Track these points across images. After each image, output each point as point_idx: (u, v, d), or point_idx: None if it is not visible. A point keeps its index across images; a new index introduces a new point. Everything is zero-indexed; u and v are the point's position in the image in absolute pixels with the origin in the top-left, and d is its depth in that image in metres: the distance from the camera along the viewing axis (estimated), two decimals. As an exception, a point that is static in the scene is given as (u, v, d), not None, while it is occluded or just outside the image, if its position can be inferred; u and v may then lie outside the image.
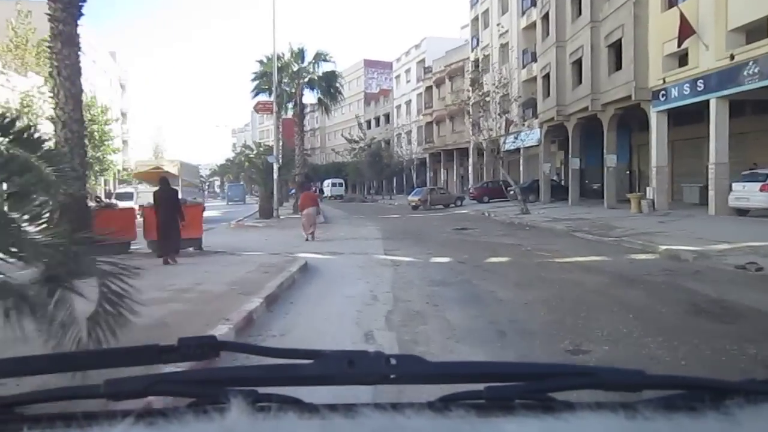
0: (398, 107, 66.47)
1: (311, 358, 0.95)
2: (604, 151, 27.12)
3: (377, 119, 72.83)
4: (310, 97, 34.12)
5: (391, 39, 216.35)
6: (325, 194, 69.31)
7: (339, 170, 68.39)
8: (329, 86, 31.64)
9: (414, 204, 36.70)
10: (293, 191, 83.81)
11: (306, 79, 30.53)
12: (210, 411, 0.85)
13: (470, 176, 48.87)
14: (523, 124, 36.64)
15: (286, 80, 29.70)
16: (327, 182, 69.27)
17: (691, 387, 0.93)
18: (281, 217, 25.24)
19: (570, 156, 30.95)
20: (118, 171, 55.46)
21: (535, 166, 40.88)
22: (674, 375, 0.98)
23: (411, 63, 63.25)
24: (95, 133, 37.03)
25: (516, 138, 36.43)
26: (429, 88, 55.90)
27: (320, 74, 31.19)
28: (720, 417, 0.80)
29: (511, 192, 36.51)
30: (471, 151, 47.81)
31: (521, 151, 38.31)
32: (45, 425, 0.89)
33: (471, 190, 40.17)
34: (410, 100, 62.73)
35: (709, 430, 0.79)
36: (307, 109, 32.69)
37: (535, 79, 36.35)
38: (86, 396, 0.96)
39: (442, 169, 54.53)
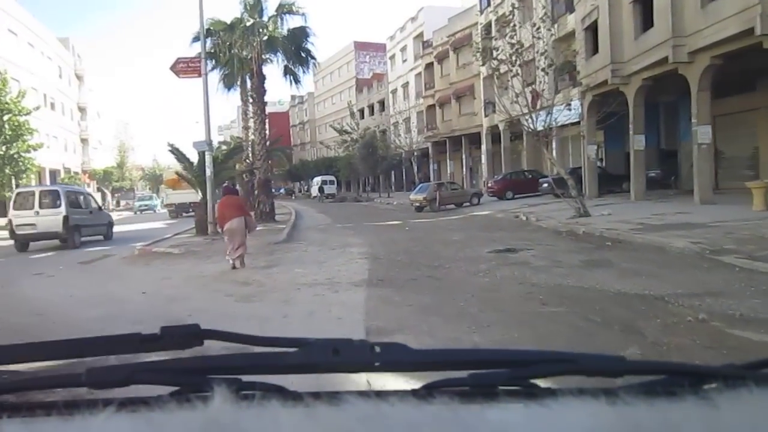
0: (394, 92, 58.18)
1: (296, 347, 0.93)
2: (693, 120, 18.76)
3: (371, 107, 64.72)
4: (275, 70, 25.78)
5: (383, 19, 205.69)
6: (314, 194, 61.43)
7: (330, 166, 60.27)
8: (298, 48, 23.27)
9: (418, 204, 28.44)
10: (279, 191, 76.19)
11: (265, 37, 22.17)
12: (193, 399, 0.84)
13: (484, 167, 40.53)
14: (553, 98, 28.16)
15: (238, 41, 21.37)
16: (316, 180, 61.14)
17: (670, 372, 0.93)
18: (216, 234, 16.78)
19: (632, 132, 22.62)
20: (68, 174, 46.94)
21: (565, 151, 32.67)
22: (654, 360, 1.01)
23: (407, 39, 54.90)
24: (5, 126, 28.79)
25: (548, 115, 28.24)
26: (429, 66, 47.62)
27: (285, 33, 22.89)
28: (699, 401, 0.81)
29: (545, 185, 28.33)
30: (484, 137, 39.49)
31: (552, 131, 30.11)
32: (25, 414, 0.90)
33: (490, 184, 31.88)
34: (407, 83, 54.44)
35: (688, 415, 0.79)
36: (268, 66, 24.19)
37: (571, 35, 28.01)
38: (67, 385, 0.95)
39: (448, 160, 46.21)
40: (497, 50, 19.35)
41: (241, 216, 11.68)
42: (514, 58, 18.98)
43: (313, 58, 24.08)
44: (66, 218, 16.49)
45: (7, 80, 29.73)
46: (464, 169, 43.63)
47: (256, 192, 24.58)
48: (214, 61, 22.86)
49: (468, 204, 28.96)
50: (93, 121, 62.82)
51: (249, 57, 22.06)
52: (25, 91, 30.95)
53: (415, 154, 48.47)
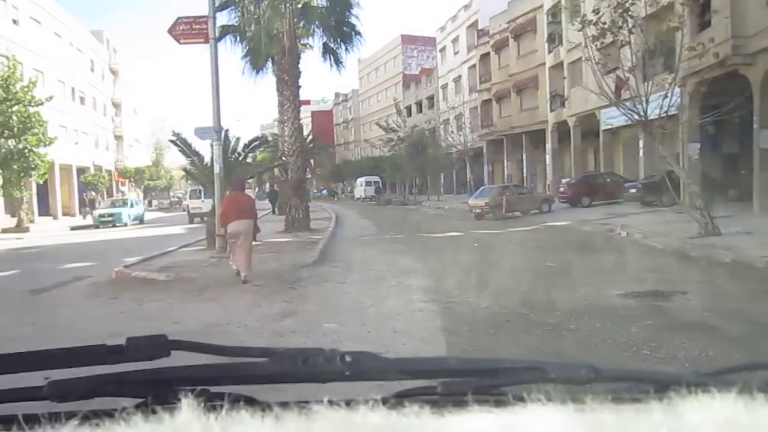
0: (444, 87, 53.82)
1: (265, 357, 0.92)
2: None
3: (419, 104, 60.50)
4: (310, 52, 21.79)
5: (431, 11, 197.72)
6: (357, 196, 57.59)
7: (375, 166, 56.33)
8: (339, 21, 19.16)
9: (479, 211, 24.12)
10: (321, 192, 72.51)
11: (299, 4, 18.05)
12: (159, 411, 0.82)
13: (548, 169, 35.87)
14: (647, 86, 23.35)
15: (266, 11, 17.31)
16: (359, 180, 57.43)
17: (636, 379, 0.95)
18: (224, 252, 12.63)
19: (757, 126, 17.89)
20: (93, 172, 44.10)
21: (634, 153, 27.86)
22: (621, 368, 1.00)
23: (460, 29, 50.47)
24: (12, 117, 25.61)
25: (635, 106, 23.58)
26: (485, 57, 43.11)
27: (324, 2, 18.77)
28: (664, 408, 0.81)
29: (632, 191, 23.68)
30: (549, 134, 34.85)
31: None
32: None
33: (562, 189, 27.25)
34: (459, 76, 50.03)
35: (653, 421, 0.80)
36: (306, 54, 20.15)
37: (667, 9, 23.24)
38: (29, 398, 0.92)
39: (505, 161, 41.60)
40: (597, 12, 14.85)
41: (250, 218, 10.16)
42: (621, 22, 14.45)
43: (357, 33, 19.90)
44: None
45: (16, 66, 26.55)
46: (525, 171, 38.99)
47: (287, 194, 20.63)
48: (236, 36, 19.00)
49: (536, 211, 24.52)
50: (129, 117, 60.27)
51: (280, 31, 18.11)
52: (36, 80, 27.74)
53: (469, 153, 43.92)
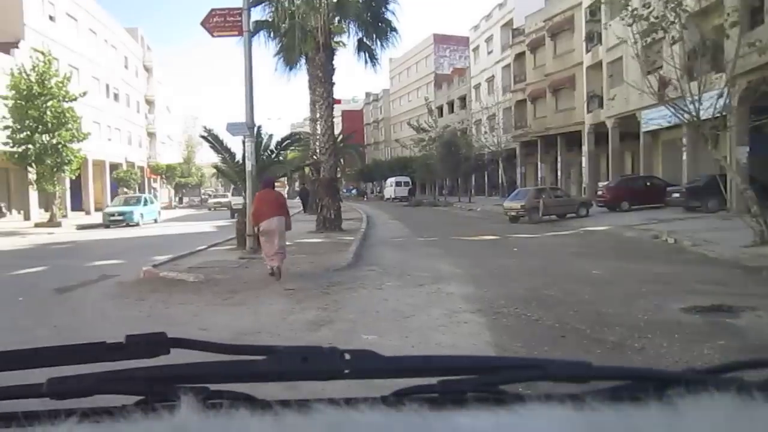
0: (477, 87, 53.05)
1: (264, 354, 0.92)
2: None
3: (450, 104, 59.80)
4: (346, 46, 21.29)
5: (464, 11, 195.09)
6: (387, 196, 57.09)
7: (405, 166, 55.78)
8: (375, 16, 18.64)
9: (514, 213, 23.43)
10: (350, 191, 72.03)
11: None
12: (159, 409, 0.83)
13: (584, 171, 34.95)
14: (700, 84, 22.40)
15: (301, 6, 16.85)
16: (389, 181, 56.95)
17: (635, 378, 0.94)
18: (256, 252, 12.14)
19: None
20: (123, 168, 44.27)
21: (674, 155, 26.89)
22: (620, 366, 0.98)
23: (494, 28, 49.69)
24: (47, 112, 25.69)
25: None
26: (520, 56, 42.31)
27: (360, -5, 18.29)
28: (662, 406, 0.82)
29: (675, 195, 22.79)
30: (586, 136, 33.94)
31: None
32: None
33: (601, 192, 26.37)
34: (493, 76, 49.20)
35: (651, 419, 0.80)
36: (339, 52, 19.62)
37: (714, 8, 22.35)
38: (28, 395, 0.92)
39: (539, 163, 40.69)
40: (648, 6, 14.10)
41: (282, 216, 10.06)
42: (674, 17, 13.70)
43: (394, 30, 19.36)
44: None
45: (51, 62, 26.64)
46: (559, 173, 38.07)
47: (319, 193, 20.18)
48: (270, 32, 18.60)
49: (573, 215, 23.71)
50: (162, 115, 60.65)
51: (314, 27, 17.68)
52: (71, 75, 27.82)
53: (503, 155, 43.04)
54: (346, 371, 0.88)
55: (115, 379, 0.91)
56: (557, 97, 36.99)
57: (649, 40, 15.90)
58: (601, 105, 31.79)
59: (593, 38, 32.34)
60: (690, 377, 0.90)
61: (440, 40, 67.72)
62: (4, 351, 0.93)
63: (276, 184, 12.47)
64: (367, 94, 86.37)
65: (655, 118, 25.72)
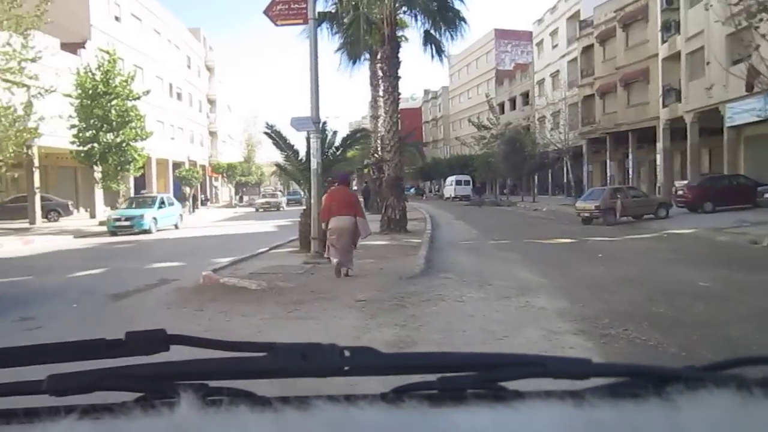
0: (540, 83, 51.29)
1: (264, 351, 0.92)
2: None
3: (512, 101, 58.18)
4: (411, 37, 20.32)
5: (526, 5, 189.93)
6: (446, 195, 55.96)
7: (465, 165, 54.53)
8: (443, 5, 17.60)
9: (587, 215, 22.07)
10: (409, 190, 71.19)
11: (402, -9, 16.66)
12: (159, 406, 0.83)
13: (659, 170, 33.00)
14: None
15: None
16: (450, 179, 55.79)
17: (634, 374, 0.95)
18: (321, 256, 11.37)
19: None
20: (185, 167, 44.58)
21: (761, 153, 24.95)
22: (619, 363, 1.06)
23: (559, 21, 47.89)
24: (111, 111, 25.80)
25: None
26: (588, 49, 40.47)
27: (428, -17, 17.29)
28: (662, 403, 0.82)
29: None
30: (661, 132, 32.02)
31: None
32: None
33: (681, 191, 24.62)
34: (558, 71, 47.42)
35: (651, 416, 0.81)
36: (404, 46, 18.65)
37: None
38: (28, 392, 0.92)
39: (608, 161, 38.76)
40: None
41: (353, 215, 9.80)
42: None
43: (462, 20, 18.29)
44: None
45: (116, 61, 26.75)
46: (631, 172, 36.16)
47: (383, 193, 19.36)
48: (333, 24, 17.88)
49: (651, 216, 22.15)
50: (223, 114, 61.26)
51: (379, 18, 16.84)
52: (134, 74, 27.90)
53: (569, 153, 41.26)
54: (346, 368, 0.88)
55: (114, 375, 0.90)
56: (629, 92, 35.09)
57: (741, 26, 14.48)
58: (678, 99, 29.86)
59: (670, 27, 30.43)
60: (689, 374, 0.90)
61: (501, 35, 66.04)
62: (4, 348, 0.92)
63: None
64: (426, 92, 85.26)
65: (742, 112, 23.91)
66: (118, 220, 23.34)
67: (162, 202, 25.87)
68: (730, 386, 0.82)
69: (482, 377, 0.91)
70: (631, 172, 36.15)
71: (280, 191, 60.46)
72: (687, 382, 0.85)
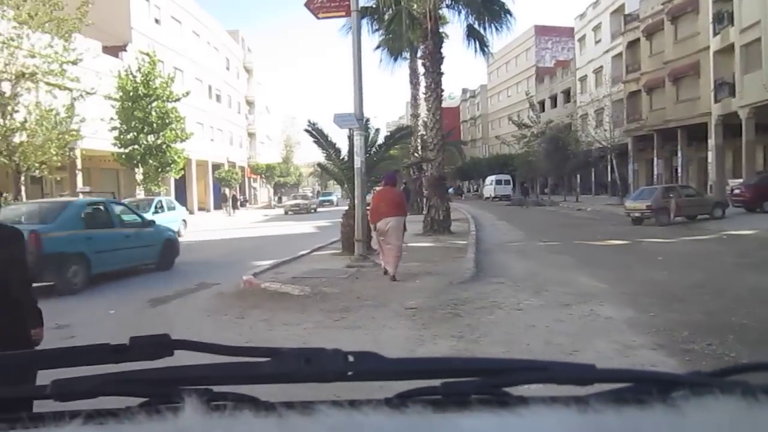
0: (583, 79, 50.06)
1: (268, 356, 0.92)
2: None
3: (553, 98, 56.94)
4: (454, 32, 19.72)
5: (566, 2, 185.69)
6: (486, 195, 55.07)
7: (505, 164, 53.55)
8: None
9: (638, 215, 21.15)
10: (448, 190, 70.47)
11: (445, -17, 16.09)
12: (163, 411, 0.82)
13: (711, 168, 31.67)
14: None
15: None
16: (489, 179, 54.86)
17: (639, 380, 0.94)
18: (366, 259, 10.93)
19: None
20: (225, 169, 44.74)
21: None
22: (624, 369, 0.96)
23: (602, 15, 46.63)
24: (152, 113, 25.87)
25: None
26: (633, 43, 39.23)
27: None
28: (667, 409, 0.81)
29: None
30: (713, 128, 30.69)
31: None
32: None
33: (738, 190, 23.46)
34: (601, 67, 46.10)
35: (656, 422, 0.80)
36: (448, 40, 18.24)
37: None
38: (33, 397, 0.94)
39: (656, 159, 37.42)
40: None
41: (400, 216, 9.71)
42: None
43: (508, 12, 17.63)
44: None
45: (156, 63, 26.81)
46: (680, 170, 34.84)
47: (425, 192, 18.79)
48: (373, 21, 17.42)
49: (706, 216, 21.13)
50: (261, 115, 61.50)
51: (421, 13, 16.30)
52: (174, 76, 27.97)
53: (613, 151, 39.99)
54: (350, 373, 0.88)
55: (119, 380, 0.90)
56: (678, 87, 33.78)
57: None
58: (732, 93, 28.54)
59: (722, 19, 29.14)
60: (694, 380, 0.89)
61: (541, 31, 64.74)
62: (10, 353, 0.91)
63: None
64: (464, 91, 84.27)
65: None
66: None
67: (159, 207, 21.32)
68: (735, 392, 0.81)
69: (486, 383, 0.90)
70: (680, 170, 34.81)
71: (318, 191, 60.18)
72: (692, 388, 0.85)
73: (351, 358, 0.89)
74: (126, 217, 12.14)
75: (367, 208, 10.91)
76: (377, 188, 12.54)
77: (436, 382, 0.89)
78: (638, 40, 38.26)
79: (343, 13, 11.45)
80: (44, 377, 0.89)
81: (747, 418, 0.77)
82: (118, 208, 12.17)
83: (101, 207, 11.48)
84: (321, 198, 52.54)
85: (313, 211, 41.85)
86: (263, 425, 0.79)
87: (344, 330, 6.67)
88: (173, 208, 22.72)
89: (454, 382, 0.90)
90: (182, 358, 0.93)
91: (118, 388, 0.91)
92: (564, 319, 6.89)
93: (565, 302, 7.78)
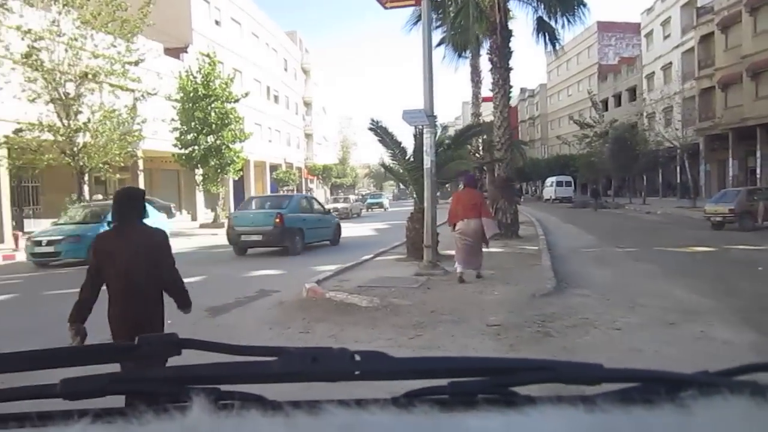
0: (650, 76, 47.96)
1: (275, 355, 0.92)
2: None
3: (617, 97, 54.90)
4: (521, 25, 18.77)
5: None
6: (546, 197, 53.49)
7: (565, 165, 51.88)
8: (560, -11, 15.95)
9: (720, 219, 19.72)
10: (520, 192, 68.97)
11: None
12: (171, 410, 0.82)
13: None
14: None
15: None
16: (549, 180, 53.26)
17: (647, 380, 0.93)
18: (436, 266, 10.16)
19: None
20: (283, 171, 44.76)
21: None
22: (631, 368, 0.94)
23: (672, 9, 44.54)
24: (211, 114, 25.83)
25: None
26: (707, 37, 37.19)
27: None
28: (675, 409, 0.80)
29: None
30: (797, 126, 28.65)
31: None
32: None
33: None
34: (670, 63, 44.07)
35: (664, 422, 0.79)
36: (515, 36, 17.29)
37: None
38: (42, 396, 0.94)
39: (730, 159, 35.36)
40: None
41: (479, 218, 9.50)
42: None
43: (582, 4, 16.55)
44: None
45: (216, 64, 26.77)
46: (759, 172, 32.75)
47: (486, 194, 17.94)
48: (438, 14, 16.67)
49: (794, 221, 19.50)
50: (318, 116, 61.53)
51: (487, 5, 15.45)
52: (233, 77, 27.93)
53: (684, 152, 37.97)
54: (356, 372, 0.88)
55: (127, 379, 0.91)
56: (758, 82, 31.74)
57: None
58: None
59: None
60: (703, 380, 0.89)
61: (604, 27, 62.49)
62: (19, 352, 0.93)
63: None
64: (522, 90, 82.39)
65: None
66: (39, 244, 14.57)
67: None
68: (744, 392, 0.81)
69: (493, 382, 0.90)
70: (759, 171, 32.74)
71: (361, 194, 59.33)
72: (701, 387, 0.84)
73: (358, 358, 0.88)
74: (316, 206, 17.82)
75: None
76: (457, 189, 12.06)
77: (443, 382, 0.88)
78: (712, 33, 36.23)
79: (413, 2, 10.80)
80: (53, 376, 0.89)
81: (756, 418, 0.76)
82: (313, 200, 18.35)
83: (307, 199, 18.13)
84: (369, 200, 48.32)
85: (355, 216, 37.52)
86: (270, 424, 0.78)
87: (421, 351, 5.97)
88: (159, 214, 18.54)
89: (462, 382, 0.89)
90: (190, 357, 0.92)
91: (127, 386, 0.92)
92: (672, 342, 6.01)
93: (667, 320, 6.88)
